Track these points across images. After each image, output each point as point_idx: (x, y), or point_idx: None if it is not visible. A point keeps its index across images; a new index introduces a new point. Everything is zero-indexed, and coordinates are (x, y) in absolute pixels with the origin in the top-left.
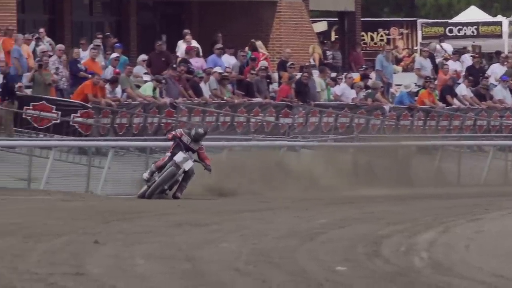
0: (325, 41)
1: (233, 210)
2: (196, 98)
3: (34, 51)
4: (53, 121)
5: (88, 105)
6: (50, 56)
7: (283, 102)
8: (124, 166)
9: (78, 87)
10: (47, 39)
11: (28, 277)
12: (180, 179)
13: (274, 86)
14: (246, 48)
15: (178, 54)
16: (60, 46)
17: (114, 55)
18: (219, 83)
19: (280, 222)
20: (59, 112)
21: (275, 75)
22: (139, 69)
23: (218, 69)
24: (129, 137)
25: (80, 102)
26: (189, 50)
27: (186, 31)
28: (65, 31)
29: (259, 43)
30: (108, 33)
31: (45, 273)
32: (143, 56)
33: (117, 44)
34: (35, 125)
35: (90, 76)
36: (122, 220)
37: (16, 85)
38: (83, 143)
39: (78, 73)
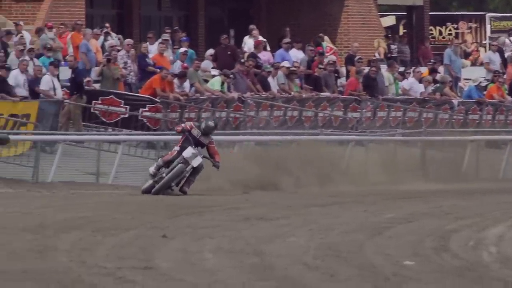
0: (389, 35)
1: (301, 204)
2: (264, 93)
3: (102, 46)
4: (122, 116)
5: (157, 99)
6: (118, 50)
7: (351, 97)
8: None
9: (146, 82)
10: (113, 34)
11: (97, 271)
12: (187, 174)
13: (342, 81)
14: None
15: (245, 49)
16: (129, 41)
17: (182, 49)
18: (287, 77)
19: (348, 217)
20: (128, 107)
21: (343, 70)
22: (207, 64)
23: (286, 64)
24: None
25: (149, 96)
26: (257, 45)
27: (252, 26)
28: (133, 25)
29: (326, 38)
30: (177, 28)
31: (113, 267)
32: (211, 51)
33: (184, 38)
34: (104, 119)
35: (158, 70)
36: (190, 214)
37: (85, 80)
38: (152, 138)
39: (147, 67)
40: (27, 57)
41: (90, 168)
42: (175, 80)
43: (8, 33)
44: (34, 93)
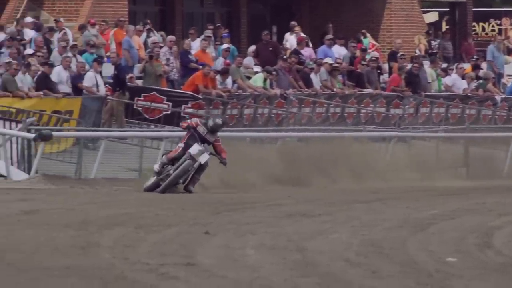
0: (430, 32)
1: (344, 201)
2: (306, 89)
3: (145, 42)
4: (164, 112)
5: (199, 96)
6: (161, 47)
7: (393, 93)
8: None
9: (188, 78)
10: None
11: (139, 267)
12: (193, 172)
13: (385, 77)
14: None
15: (287, 46)
16: (171, 37)
17: (224, 46)
18: (329, 74)
19: (390, 213)
20: (170, 103)
21: (386, 66)
22: (250, 60)
23: (328, 60)
24: (239, 127)
25: (191, 93)
26: (300, 41)
27: (293, 23)
28: (176, 22)
29: (368, 35)
30: (219, 24)
31: (156, 264)
32: (253, 47)
33: (225, 34)
34: (146, 116)
35: (200, 67)
36: (232, 210)
37: (127, 76)
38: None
39: (189, 64)
40: (70, 54)
41: (133, 164)
42: (218, 77)
43: (51, 29)
44: (77, 90)
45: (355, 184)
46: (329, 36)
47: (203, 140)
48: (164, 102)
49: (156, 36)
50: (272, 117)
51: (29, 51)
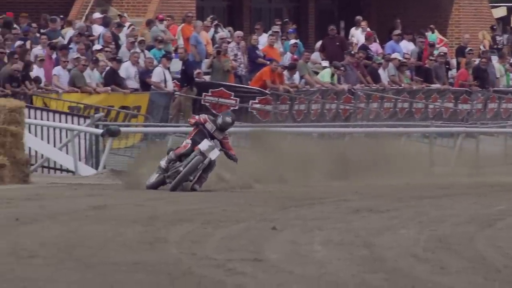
0: (495, 27)
1: (412, 196)
2: (374, 84)
3: (213, 38)
4: (232, 108)
5: (267, 91)
6: (228, 42)
7: (461, 88)
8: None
9: (256, 74)
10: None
11: (207, 262)
12: (202, 168)
13: (453, 72)
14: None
15: (354, 41)
16: (239, 33)
17: (292, 41)
18: (397, 69)
19: (458, 209)
20: (238, 99)
21: (454, 61)
22: (317, 56)
23: (397, 55)
24: (307, 123)
25: (259, 88)
26: (368, 36)
27: (359, 17)
28: (243, 17)
29: (435, 31)
30: (287, 20)
31: (223, 259)
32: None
33: (290, 30)
34: (214, 111)
35: (268, 62)
36: (300, 206)
37: (195, 72)
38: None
39: (257, 59)
40: (138, 49)
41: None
42: (285, 72)
43: (119, 25)
44: (145, 85)
45: (423, 179)
46: (397, 31)
47: (211, 137)
48: (232, 97)
49: (224, 32)
50: (339, 112)
51: (97, 46)
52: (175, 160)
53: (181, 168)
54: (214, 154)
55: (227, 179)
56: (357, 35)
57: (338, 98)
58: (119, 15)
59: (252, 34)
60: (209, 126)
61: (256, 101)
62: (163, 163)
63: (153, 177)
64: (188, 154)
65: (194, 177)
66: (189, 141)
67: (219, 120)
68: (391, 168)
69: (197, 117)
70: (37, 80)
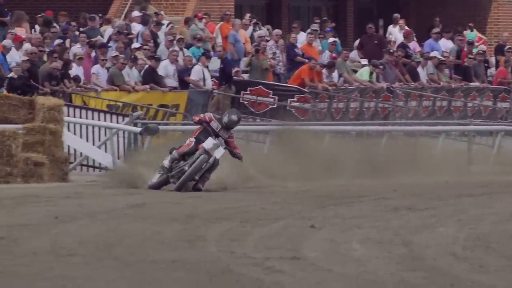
0: None
1: (451, 194)
2: (413, 83)
3: (251, 36)
4: (270, 106)
5: (305, 89)
6: (267, 41)
7: (500, 87)
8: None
9: (295, 72)
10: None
11: (245, 261)
12: (207, 167)
13: (492, 71)
14: (465, 32)
15: (391, 39)
16: (277, 31)
17: (331, 39)
18: (436, 67)
19: (497, 207)
20: (276, 97)
21: (493, 59)
22: (356, 54)
23: (436, 54)
24: (345, 121)
25: (297, 86)
26: (407, 35)
27: (396, 15)
28: (282, 16)
29: (474, 30)
30: (325, 18)
31: (261, 257)
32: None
33: (328, 29)
34: (252, 109)
35: (307, 60)
36: (338, 204)
37: (233, 70)
38: (300, 128)
39: (295, 57)
40: (176, 48)
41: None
42: (324, 70)
43: (158, 23)
44: (183, 84)
45: (462, 178)
46: (436, 29)
47: (215, 136)
48: (270, 95)
49: (262, 30)
50: (378, 110)
51: (136, 45)
52: (178, 159)
53: (186, 168)
54: (219, 153)
55: (253, 177)
56: (395, 33)
57: (377, 97)
58: (155, 13)
59: (290, 32)
60: (215, 124)
61: (295, 99)
62: (166, 162)
63: (156, 177)
64: (192, 153)
65: (199, 177)
66: (192, 139)
67: (225, 119)
68: (429, 167)
69: (201, 115)
70: (76, 79)
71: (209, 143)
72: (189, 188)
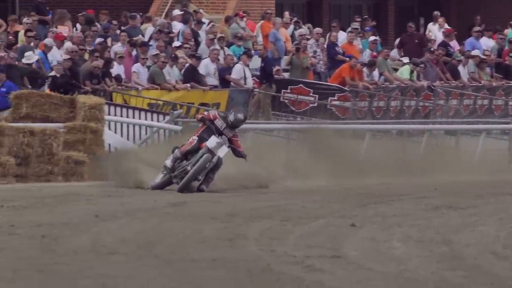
0: None
1: (491, 193)
2: (453, 81)
3: (292, 35)
4: (311, 105)
5: (346, 88)
6: (308, 39)
7: None
8: (381, 149)
9: (335, 70)
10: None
11: (286, 259)
12: (211, 166)
13: None
14: (506, 31)
15: (431, 37)
16: (318, 30)
17: (371, 38)
18: (477, 66)
19: None
20: (317, 96)
21: None
22: (396, 52)
23: (477, 52)
24: (386, 120)
25: (338, 85)
26: (449, 33)
27: (436, 13)
28: (323, 14)
29: None
30: (366, 16)
31: (302, 256)
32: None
33: (367, 28)
34: (293, 108)
35: (347, 59)
36: (379, 203)
37: (274, 69)
38: (340, 127)
39: (336, 56)
40: (217, 46)
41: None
42: (364, 69)
43: (199, 22)
44: (224, 82)
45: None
46: (477, 28)
47: (220, 135)
48: (311, 94)
49: (303, 29)
50: (419, 109)
51: (176, 43)
52: (181, 159)
53: (188, 168)
54: (223, 152)
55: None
56: (434, 31)
57: (418, 95)
58: (194, 11)
59: (330, 31)
60: (219, 123)
61: (335, 98)
62: (168, 162)
63: (159, 177)
64: (195, 151)
65: (202, 177)
66: (195, 137)
67: (231, 117)
68: (470, 165)
69: (205, 113)
70: (118, 78)
71: (212, 141)
72: (193, 189)
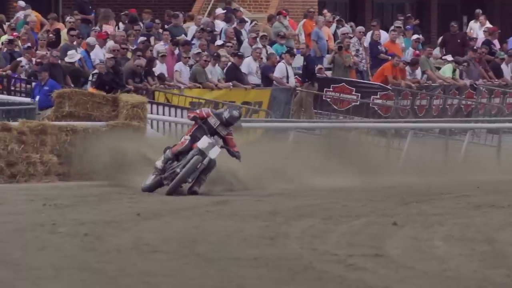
0: None
1: None
2: (496, 80)
3: (335, 33)
4: (353, 103)
5: (388, 87)
6: (350, 38)
7: None
8: (424, 148)
9: (378, 69)
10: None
11: (328, 258)
12: (202, 168)
13: None
14: None
15: (473, 34)
16: (360, 28)
17: (414, 36)
18: None
19: None
20: (359, 94)
21: None
22: (439, 51)
23: None
24: (428, 118)
25: (380, 84)
26: (492, 31)
27: (478, 11)
28: (365, 12)
29: None
30: (409, 15)
31: (344, 254)
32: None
33: (408, 27)
34: (335, 107)
35: (390, 58)
36: (421, 201)
37: (317, 67)
38: (383, 125)
39: (378, 55)
40: (260, 45)
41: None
42: (407, 68)
43: (242, 21)
44: (266, 81)
45: None
46: None
47: (213, 133)
48: (353, 93)
49: (345, 27)
50: (461, 107)
51: (219, 42)
52: (172, 159)
53: (178, 169)
54: (214, 153)
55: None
56: (475, 29)
57: (460, 94)
58: (234, 9)
59: (373, 30)
60: (213, 120)
61: (378, 96)
62: (159, 163)
63: (150, 179)
64: (186, 152)
65: (193, 179)
66: (187, 137)
67: (226, 114)
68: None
69: (197, 110)
70: (161, 77)
71: (204, 142)
72: (184, 192)
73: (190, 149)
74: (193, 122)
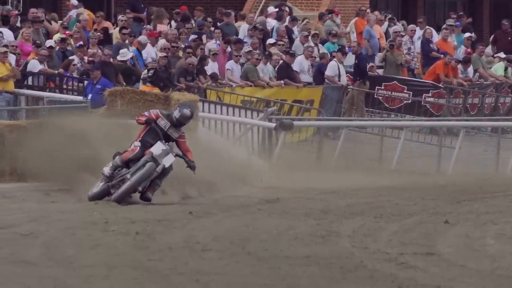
0: None
1: None
2: None
3: (386, 32)
4: (405, 101)
5: (440, 85)
6: (402, 36)
7: None
8: (476, 146)
9: (430, 67)
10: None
11: (379, 256)
12: (154, 176)
13: None
14: None
15: None
16: (412, 26)
17: (466, 34)
18: None
19: None
20: (411, 92)
21: None
22: (491, 49)
23: None
24: (480, 116)
25: (432, 82)
26: None
27: None
28: (417, 11)
29: None
30: (461, 13)
31: (395, 253)
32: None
33: (458, 23)
34: (387, 105)
35: (442, 56)
36: (473, 200)
37: (368, 66)
38: (435, 123)
39: (430, 53)
40: (312, 43)
41: (373, 153)
42: (459, 66)
43: (293, 19)
44: (318, 79)
45: None
46: None
47: (164, 137)
48: (405, 91)
49: (397, 25)
50: None
51: (270, 40)
52: (121, 167)
53: (128, 176)
54: (168, 161)
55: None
56: None
57: None
58: (287, 7)
59: (426, 28)
60: (163, 122)
61: (430, 94)
62: (107, 170)
63: (97, 186)
64: (137, 159)
65: (144, 187)
66: (137, 143)
67: (176, 113)
68: None
69: (146, 113)
70: (214, 76)
71: (157, 148)
72: (132, 200)
73: (142, 156)
74: (142, 127)
